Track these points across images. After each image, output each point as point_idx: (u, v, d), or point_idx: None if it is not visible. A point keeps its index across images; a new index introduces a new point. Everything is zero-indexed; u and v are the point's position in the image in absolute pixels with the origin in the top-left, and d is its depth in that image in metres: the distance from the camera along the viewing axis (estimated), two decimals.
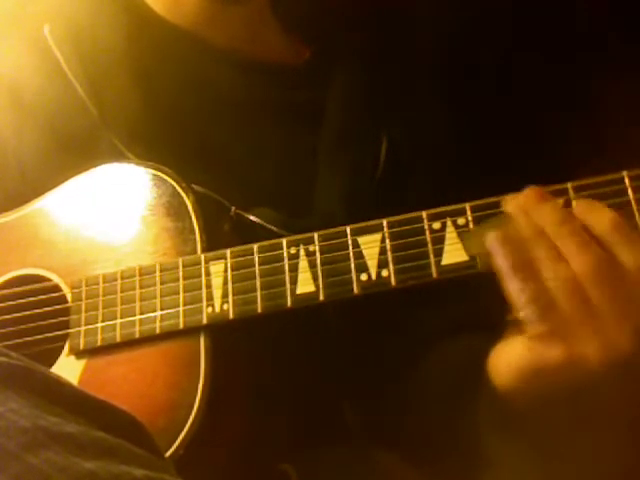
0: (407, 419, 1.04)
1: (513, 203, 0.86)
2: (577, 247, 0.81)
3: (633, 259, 0.81)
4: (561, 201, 0.87)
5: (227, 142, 1.16)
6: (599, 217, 0.83)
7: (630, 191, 0.87)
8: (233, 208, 1.05)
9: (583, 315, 0.81)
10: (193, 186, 1.02)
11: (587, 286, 0.81)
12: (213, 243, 0.99)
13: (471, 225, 0.90)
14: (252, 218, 1.05)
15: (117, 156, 1.08)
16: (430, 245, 0.91)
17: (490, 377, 0.89)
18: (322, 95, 1.20)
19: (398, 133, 1.19)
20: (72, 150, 1.12)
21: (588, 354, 0.81)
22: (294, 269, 0.94)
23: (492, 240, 0.84)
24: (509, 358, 0.87)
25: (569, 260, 0.81)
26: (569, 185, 0.88)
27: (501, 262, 0.83)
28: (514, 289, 0.82)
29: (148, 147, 1.09)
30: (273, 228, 1.03)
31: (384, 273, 0.92)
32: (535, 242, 0.83)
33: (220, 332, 0.96)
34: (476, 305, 1.04)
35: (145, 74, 1.16)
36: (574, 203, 0.86)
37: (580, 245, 0.81)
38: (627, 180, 0.87)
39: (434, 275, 0.90)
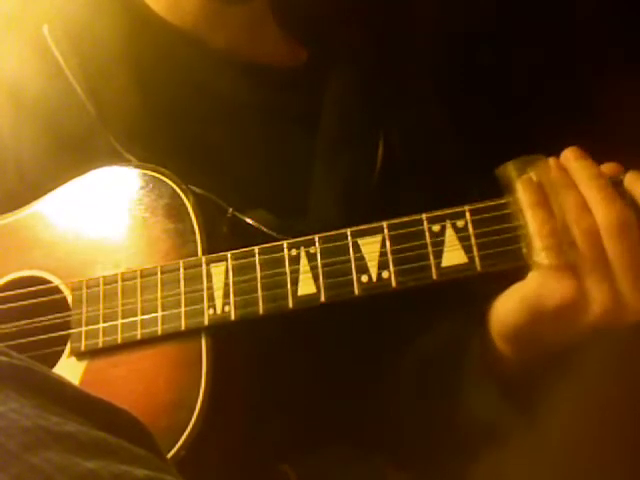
0: (390, 417, 1.05)
1: (553, 157, 0.91)
2: (602, 201, 0.85)
3: None
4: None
5: (224, 143, 1.16)
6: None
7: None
8: (230, 210, 1.05)
9: (597, 262, 0.84)
10: (191, 187, 1.03)
11: (606, 237, 0.84)
12: (211, 245, 0.99)
13: (470, 228, 0.91)
14: (248, 220, 1.05)
15: (115, 157, 1.08)
16: (430, 247, 0.91)
17: (488, 326, 0.95)
18: (319, 97, 1.20)
19: (395, 135, 1.19)
20: (71, 150, 1.12)
21: (594, 297, 0.84)
22: (295, 271, 0.95)
23: (529, 175, 0.89)
24: (514, 298, 0.91)
25: (593, 212, 0.85)
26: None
27: (531, 196, 0.88)
28: (537, 219, 0.87)
29: (146, 147, 1.09)
30: (269, 232, 1.04)
31: (385, 275, 0.92)
32: (565, 190, 0.87)
33: (221, 333, 0.96)
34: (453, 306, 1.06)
35: (144, 74, 1.16)
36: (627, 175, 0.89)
37: (606, 199, 0.85)
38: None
39: (434, 277, 0.91)
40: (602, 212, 0.85)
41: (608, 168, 0.89)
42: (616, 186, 0.87)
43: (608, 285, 0.84)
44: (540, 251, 0.87)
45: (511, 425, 0.94)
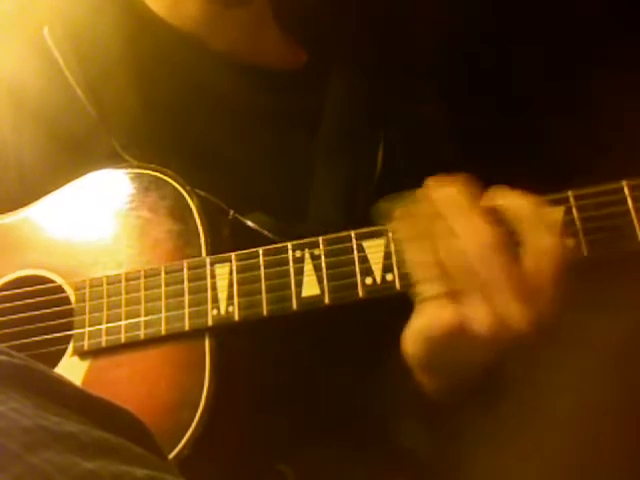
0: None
1: (426, 184, 0.91)
2: (465, 222, 0.86)
3: (536, 240, 0.86)
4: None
5: (224, 145, 1.16)
6: (513, 200, 0.88)
7: (629, 200, 0.88)
8: (232, 212, 1.06)
9: (472, 283, 0.85)
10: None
11: (474, 258, 0.85)
12: (213, 247, 0.99)
13: None
14: (249, 223, 1.06)
15: (116, 158, 1.08)
16: None
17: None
18: (320, 99, 1.20)
19: (396, 136, 1.19)
20: (71, 152, 1.12)
21: (475, 319, 0.85)
22: (299, 272, 0.95)
23: (400, 212, 0.91)
24: (410, 329, 0.92)
25: (458, 234, 0.86)
26: (570, 193, 0.90)
27: (405, 232, 0.90)
28: (412, 253, 0.89)
29: (146, 149, 1.09)
30: (269, 235, 1.04)
31: (389, 277, 0.92)
32: (432, 218, 0.88)
33: (225, 334, 0.96)
34: None
35: (144, 76, 1.16)
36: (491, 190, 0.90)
37: (467, 220, 0.86)
38: (627, 189, 0.89)
39: None
40: (465, 236, 0.85)
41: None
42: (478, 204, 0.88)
43: (486, 305, 0.85)
44: (419, 283, 0.88)
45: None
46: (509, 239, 0.86)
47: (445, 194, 0.88)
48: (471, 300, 0.85)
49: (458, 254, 0.85)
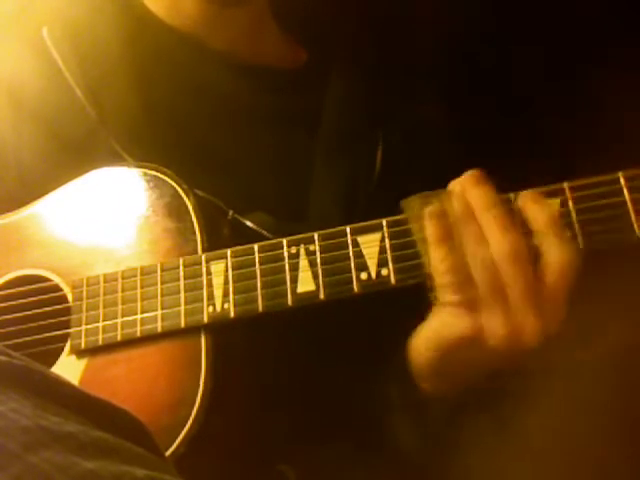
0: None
1: (454, 182, 0.91)
2: (497, 231, 0.86)
3: (559, 255, 0.86)
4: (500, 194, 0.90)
5: (224, 145, 1.16)
6: (538, 210, 0.88)
7: (625, 191, 0.88)
8: (231, 212, 1.06)
9: (493, 294, 0.86)
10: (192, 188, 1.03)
11: (502, 268, 0.85)
12: (212, 246, 0.99)
13: None
14: (248, 223, 1.06)
15: (116, 158, 1.08)
16: None
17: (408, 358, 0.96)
18: (320, 98, 1.20)
19: (395, 136, 1.19)
20: (71, 152, 1.12)
21: (490, 329, 0.86)
22: (294, 268, 0.95)
23: (428, 210, 0.90)
24: (422, 332, 0.93)
25: (490, 242, 0.86)
26: (565, 185, 0.90)
27: (430, 231, 0.89)
28: (436, 257, 0.88)
29: (146, 149, 1.10)
30: (269, 235, 1.04)
31: (384, 272, 0.92)
32: (463, 221, 0.88)
33: (221, 331, 0.96)
34: None
35: (144, 77, 1.16)
36: (520, 195, 0.90)
37: (500, 229, 0.86)
38: (622, 180, 0.89)
39: None
40: (496, 243, 0.86)
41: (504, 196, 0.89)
42: (511, 210, 0.88)
43: (503, 316, 0.85)
44: (439, 288, 0.88)
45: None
46: (537, 252, 0.86)
47: (479, 196, 0.88)
48: (490, 310, 0.86)
49: (486, 262, 0.85)
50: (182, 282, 0.98)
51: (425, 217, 0.90)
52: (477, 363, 0.92)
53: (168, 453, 0.91)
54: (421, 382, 0.97)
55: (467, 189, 0.89)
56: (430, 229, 0.89)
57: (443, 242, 0.88)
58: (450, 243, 0.88)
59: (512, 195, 0.90)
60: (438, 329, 0.90)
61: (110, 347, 0.99)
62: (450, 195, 0.90)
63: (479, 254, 0.86)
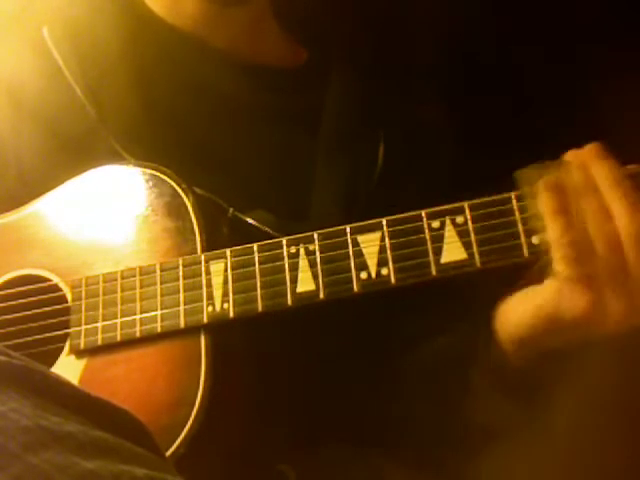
0: (390, 417, 1.05)
1: (573, 154, 0.88)
2: (627, 208, 0.83)
3: None
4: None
5: (225, 144, 1.16)
6: None
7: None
8: (231, 210, 1.05)
9: (617, 272, 0.83)
10: (192, 187, 1.03)
11: (628, 247, 0.83)
12: (212, 245, 0.99)
13: (470, 224, 0.91)
14: (249, 221, 1.05)
15: (115, 157, 1.08)
16: (429, 243, 0.91)
17: (496, 331, 0.93)
18: (320, 98, 1.20)
19: (396, 135, 1.19)
20: (71, 151, 1.12)
21: (610, 312, 0.83)
22: (294, 268, 0.95)
23: (547, 180, 0.86)
24: (528, 304, 0.90)
25: (616, 218, 0.83)
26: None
27: (551, 203, 0.85)
28: (556, 228, 0.85)
29: (146, 148, 1.10)
30: (269, 231, 1.04)
31: (384, 271, 0.92)
32: (587, 195, 0.85)
33: (220, 331, 0.96)
34: (456, 310, 1.06)
35: (144, 76, 1.16)
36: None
37: (630, 206, 0.83)
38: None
39: (433, 273, 0.91)
40: (625, 220, 0.83)
41: (630, 170, 0.87)
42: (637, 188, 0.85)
43: (626, 296, 0.83)
44: (559, 260, 0.85)
45: (512, 424, 0.94)
46: None
47: (604, 171, 0.85)
48: (613, 288, 0.83)
49: (611, 236, 0.83)
50: (181, 282, 0.98)
51: (544, 186, 0.86)
52: (583, 339, 0.87)
53: (168, 453, 0.90)
54: (508, 345, 0.94)
55: (589, 161, 0.86)
56: (548, 200, 0.86)
57: (563, 213, 0.85)
58: (570, 214, 0.85)
59: (633, 168, 0.87)
60: (554, 302, 0.86)
61: (109, 347, 0.99)
62: (569, 166, 0.87)
63: (604, 231, 0.83)
